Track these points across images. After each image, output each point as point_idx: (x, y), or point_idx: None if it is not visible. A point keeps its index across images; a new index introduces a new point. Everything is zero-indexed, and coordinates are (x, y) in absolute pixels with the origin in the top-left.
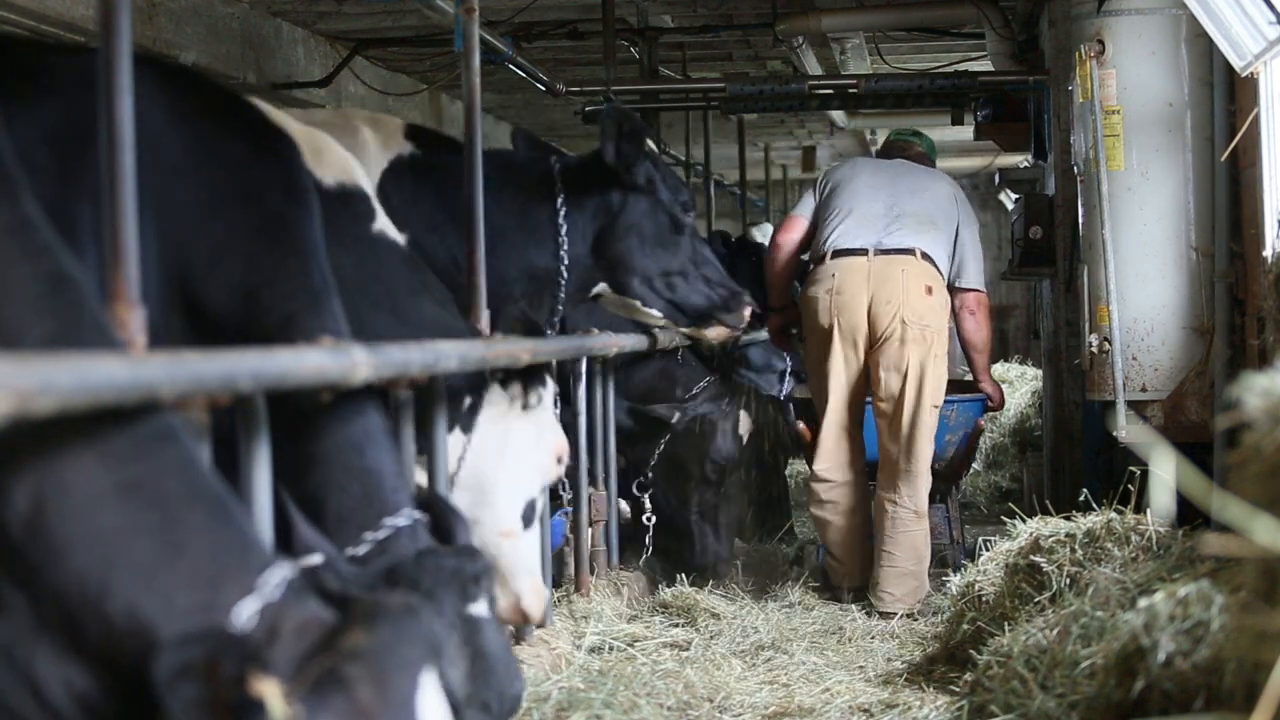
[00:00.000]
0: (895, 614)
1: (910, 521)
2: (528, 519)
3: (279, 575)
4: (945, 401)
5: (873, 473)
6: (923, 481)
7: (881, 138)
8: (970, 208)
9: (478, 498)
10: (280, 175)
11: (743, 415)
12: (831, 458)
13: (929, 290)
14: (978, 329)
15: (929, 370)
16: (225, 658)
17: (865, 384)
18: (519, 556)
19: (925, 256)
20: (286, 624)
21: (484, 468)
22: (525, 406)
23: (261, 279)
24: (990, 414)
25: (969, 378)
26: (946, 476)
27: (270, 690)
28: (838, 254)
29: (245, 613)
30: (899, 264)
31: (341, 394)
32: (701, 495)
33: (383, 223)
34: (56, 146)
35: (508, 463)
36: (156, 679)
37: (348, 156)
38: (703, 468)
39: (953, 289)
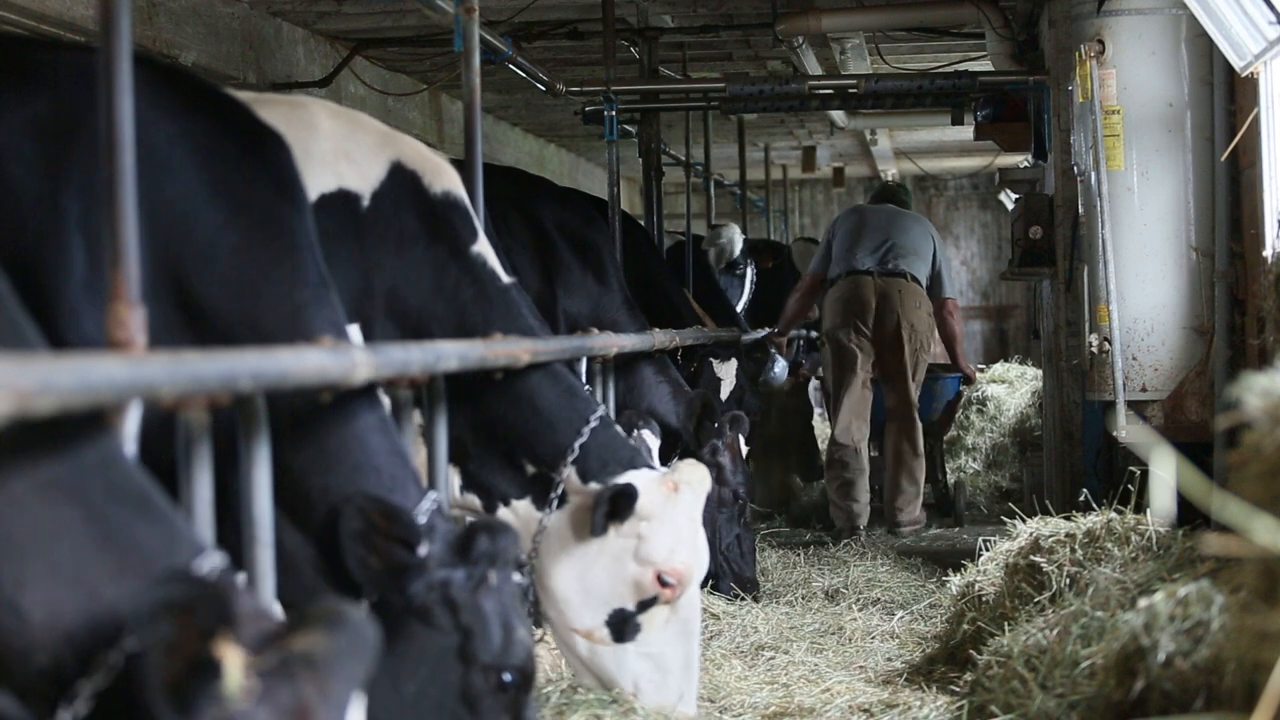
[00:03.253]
0: (905, 526)
1: (915, 472)
2: (618, 630)
3: (208, 565)
4: (933, 378)
5: (877, 432)
6: (919, 439)
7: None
8: (940, 237)
9: (540, 586)
10: (271, 173)
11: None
12: (845, 432)
13: (918, 304)
14: (954, 326)
15: (919, 359)
16: (203, 607)
17: (869, 371)
18: (609, 663)
19: (913, 279)
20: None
21: (545, 555)
22: (601, 528)
23: (260, 275)
24: (967, 387)
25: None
26: (935, 431)
27: (233, 656)
28: (851, 273)
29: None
30: (896, 284)
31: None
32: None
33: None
34: (44, 139)
35: (576, 563)
36: (138, 609)
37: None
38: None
39: (934, 299)
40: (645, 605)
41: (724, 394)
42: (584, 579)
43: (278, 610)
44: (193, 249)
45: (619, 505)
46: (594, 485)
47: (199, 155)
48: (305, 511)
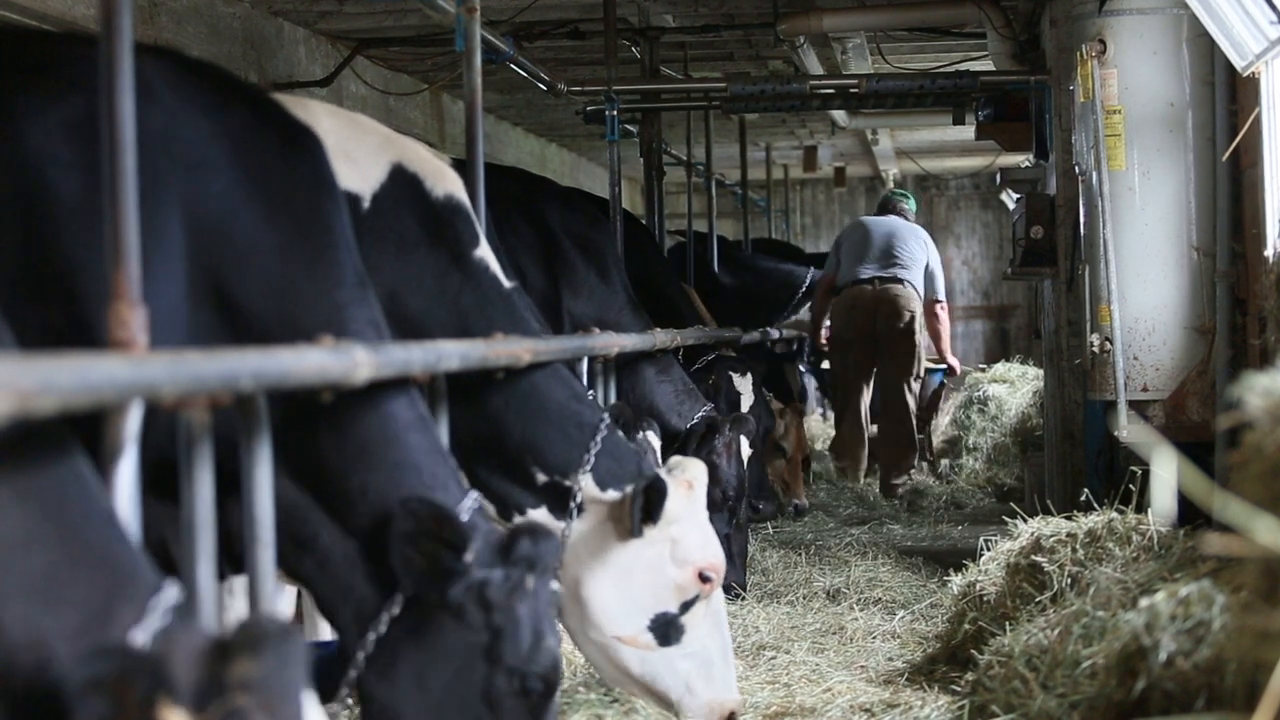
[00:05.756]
0: (903, 483)
1: (906, 436)
2: (663, 634)
3: (168, 599)
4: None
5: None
6: (909, 413)
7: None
8: (934, 245)
9: (568, 598)
10: (308, 169)
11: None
12: (848, 409)
13: (911, 306)
14: (942, 324)
15: (914, 355)
16: (136, 678)
17: (871, 365)
18: (661, 668)
19: (910, 285)
20: (177, 650)
21: (575, 566)
22: (632, 531)
23: (301, 274)
24: (950, 379)
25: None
26: (922, 417)
27: (177, 719)
28: (855, 283)
29: (138, 639)
30: (892, 290)
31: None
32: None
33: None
34: (79, 139)
35: (611, 572)
36: (69, 689)
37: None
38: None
39: (927, 301)
40: (687, 606)
41: (744, 408)
42: (623, 587)
43: (281, 608)
44: (232, 249)
45: (652, 500)
46: (612, 492)
47: (236, 152)
48: (346, 509)
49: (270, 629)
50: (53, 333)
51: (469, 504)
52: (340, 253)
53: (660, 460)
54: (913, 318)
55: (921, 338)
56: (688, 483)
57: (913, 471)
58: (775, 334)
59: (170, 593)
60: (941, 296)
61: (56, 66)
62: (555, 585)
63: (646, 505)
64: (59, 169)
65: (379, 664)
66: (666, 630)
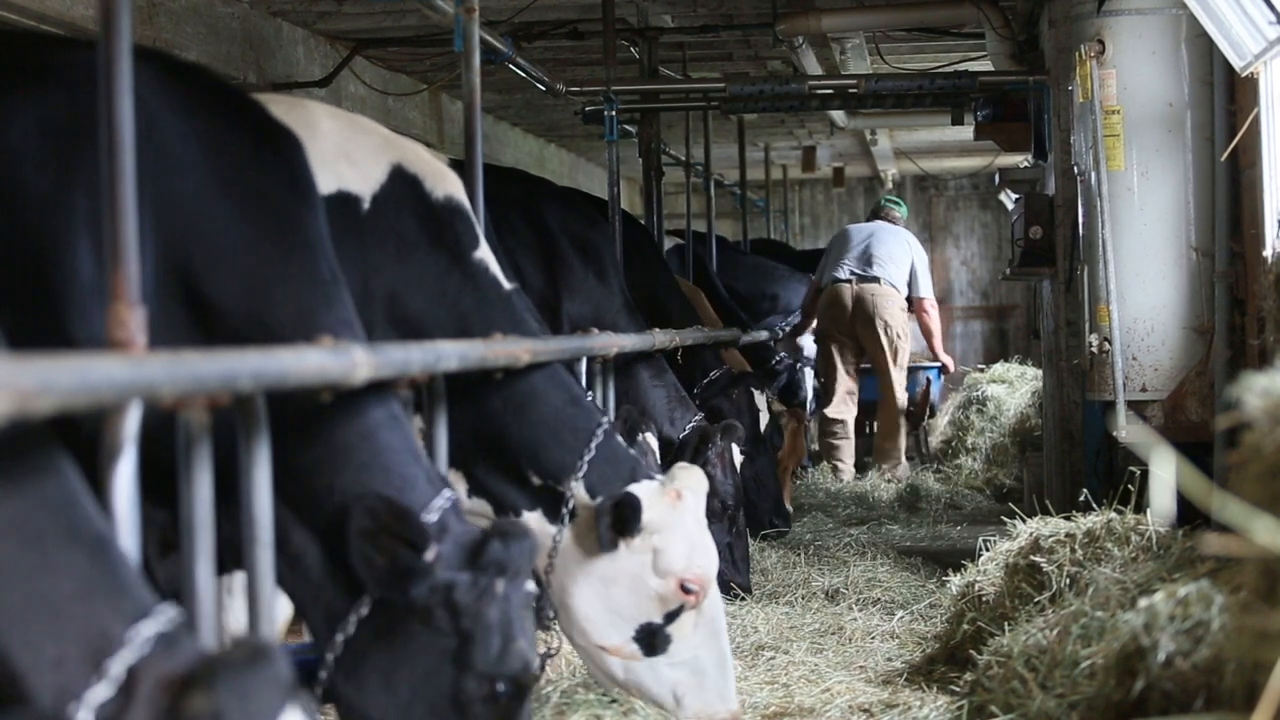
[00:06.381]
0: (895, 467)
1: (892, 424)
2: (648, 644)
3: (151, 628)
4: (914, 367)
5: (868, 411)
6: (895, 404)
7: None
8: (920, 246)
9: (558, 605)
10: (284, 171)
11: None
12: (837, 409)
13: (890, 303)
14: (930, 321)
15: (899, 348)
16: None
17: (857, 361)
18: (646, 678)
19: (888, 283)
20: (145, 685)
21: (562, 574)
22: (609, 543)
23: (272, 273)
24: (945, 375)
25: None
26: (915, 413)
27: None
28: (834, 282)
29: (113, 670)
30: (870, 288)
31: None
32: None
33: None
34: (54, 138)
35: (595, 582)
36: None
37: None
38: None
39: (913, 299)
40: (673, 616)
41: (763, 424)
42: (606, 598)
43: (281, 608)
44: (204, 247)
45: (622, 515)
46: (600, 500)
47: (212, 152)
48: (312, 510)
49: (235, 657)
50: (25, 330)
51: (440, 503)
52: (314, 252)
53: (658, 457)
54: (891, 313)
55: (906, 331)
56: (675, 493)
57: (900, 466)
58: (778, 335)
59: (158, 619)
60: (925, 294)
61: (44, 69)
62: (530, 587)
63: (618, 520)
64: (32, 167)
65: (347, 665)
66: (652, 640)
